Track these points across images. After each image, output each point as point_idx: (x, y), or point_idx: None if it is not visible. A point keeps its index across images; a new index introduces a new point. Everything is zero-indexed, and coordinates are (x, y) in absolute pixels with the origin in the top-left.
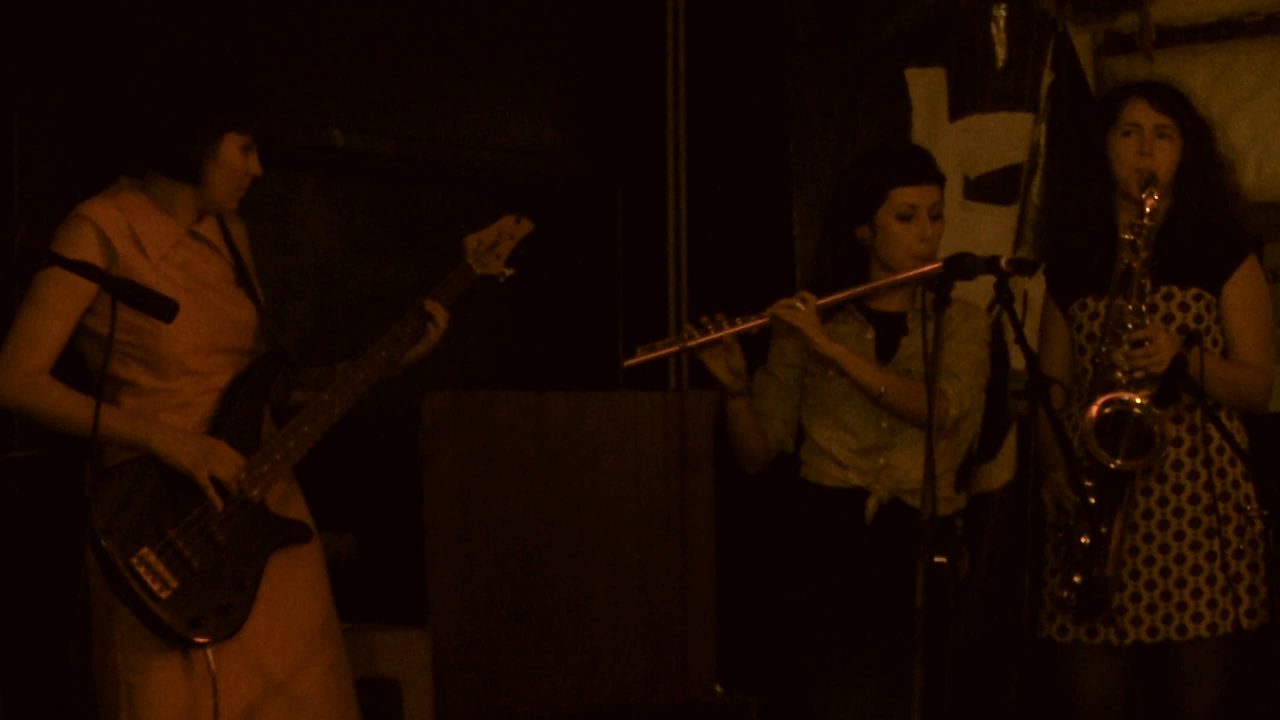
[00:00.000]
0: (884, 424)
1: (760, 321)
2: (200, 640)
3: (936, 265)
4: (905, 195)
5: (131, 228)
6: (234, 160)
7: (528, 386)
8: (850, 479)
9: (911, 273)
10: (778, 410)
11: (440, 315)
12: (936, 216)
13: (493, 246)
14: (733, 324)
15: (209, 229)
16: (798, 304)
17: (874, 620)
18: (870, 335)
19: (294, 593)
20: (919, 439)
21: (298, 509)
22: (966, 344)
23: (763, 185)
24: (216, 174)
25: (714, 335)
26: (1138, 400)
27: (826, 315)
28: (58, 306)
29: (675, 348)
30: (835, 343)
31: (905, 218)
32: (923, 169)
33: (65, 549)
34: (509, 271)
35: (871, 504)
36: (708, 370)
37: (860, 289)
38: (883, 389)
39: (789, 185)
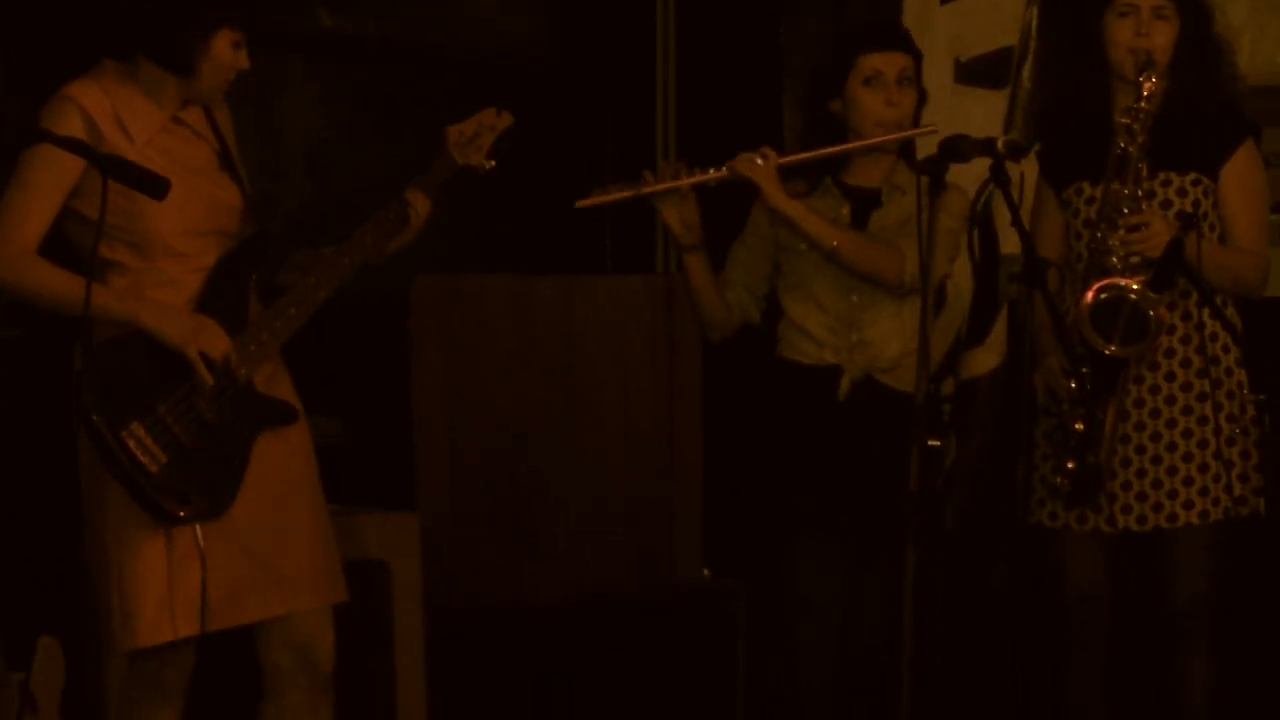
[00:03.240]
0: (854, 297)
1: (720, 174)
2: (188, 516)
3: (910, 131)
4: (870, 61)
5: (116, 111)
6: (224, 55)
7: (516, 271)
8: (825, 357)
9: (883, 138)
10: (743, 278)
11: (422, 204)
12: (905, 81)
13: (473, 139)
14: (691, 174)
15: (193, 115)
16: (758, 159)
17: (848, 497)
18: (846, 210)
19: (281, 473)
20: (890, 314)
21: (284, 390)
22: (937, 214)
23: (752, 71)
24: (206, 67)
25: (670, 184)
26: (1133, 286)
27: (809, 190)
28: (44, 185)
29: (629, 193)
30: (794, 201)
31: (869, 82)
32: (887, 36)
33: (54, 428)
34: (490, 164)
35: (845, 382)
36: (662, 220)
37: (824, 151)
38: (835, 243)
39: (779, 71)
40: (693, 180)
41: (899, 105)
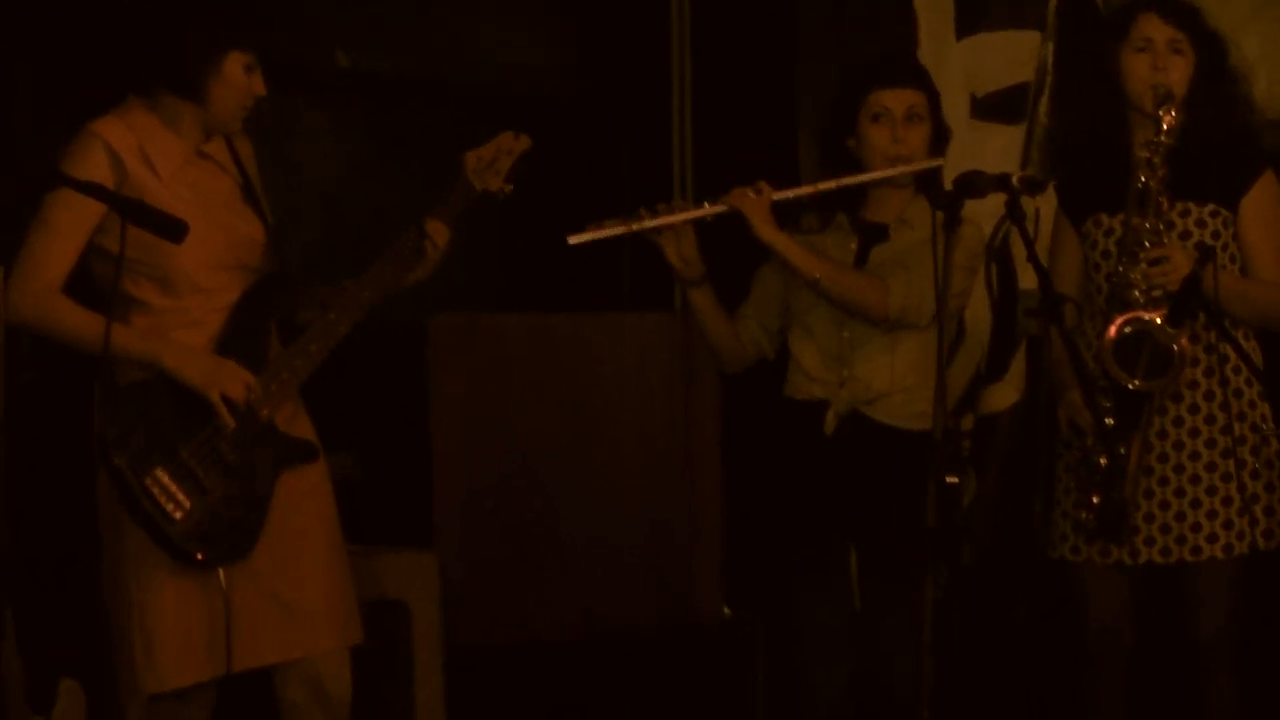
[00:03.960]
0: (845, 333)
1: (714, 209)
2: (208, 559)
3: (908, 167)
4: (878, 98)
5: (142, 146)
6: (237, 79)
7: (534, 308)
8: (815, 392)
9: (881, 173)
10: (756, 313)
11: (441, 233)
12: (914, 118)
13: (492, 163)
14: (686, 209)
15: (217, 149)
16: (751, 192)
17: (843, 529)
18: (854, 245)
19: (302, 512)
20: (881, 350)
21: (304, 428)
22: (949, 249)
23: (768, 101)
24: (220, 92)
25: (663, 219)
26: (1156, 320)
27: (822, 226)
28: (68, 227)
29: (623, 228)
30: (781, 234)
31: (877, 119)
32: (895, 72)
33: (74, 470)
34: (508, 188)
35: (830, 416)
36: (662, 256)
37: (820, 186)
38: (818, 275)
39: (795, 104)
40: (686, 215)
41: (905, 141)
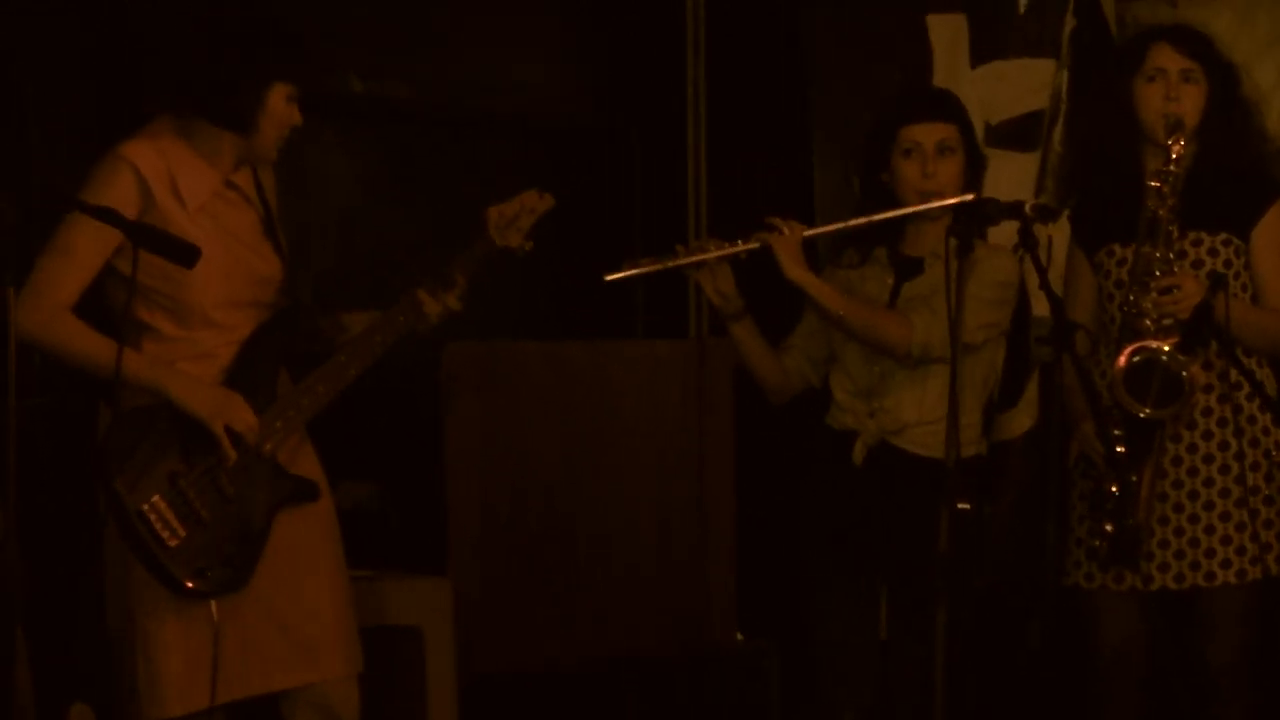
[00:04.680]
0: (876, 368)
1: (746, 246)
2: (199, 589)
3: (938, 203)
4: (908, 133)
5: (172, 176)
6: (280, 110)
7: (548, 335)
8: (846, 422)
9: (915, 208)
10: (802, 344)
11: (459, 284)
12: (946, 151)
13: (514, 220)
14: (720, 246)
15: (243, 179)
16: (784, 229)
17: (865, 560)
18: (891, 280)
19: (307, 539)
20: (911, 384)
21: (308, 465)
22: (966, 279)
23: (782, 128)
24: (265, 123)
25: (697, 256)
26: (1165, 348)
27: (860, 261)
28: (83, 251)
29: (657, 266)
30: (808, 272)
31: (908, 154)
32: (926, 107)
33: (81, 495)
34: (529, 245)
35: (859, 446)
36: (703, 292)
37: (851, 223)
38: (842, 313)
39: (809, 128)
40: (720, 253)
41: (936, 175)
